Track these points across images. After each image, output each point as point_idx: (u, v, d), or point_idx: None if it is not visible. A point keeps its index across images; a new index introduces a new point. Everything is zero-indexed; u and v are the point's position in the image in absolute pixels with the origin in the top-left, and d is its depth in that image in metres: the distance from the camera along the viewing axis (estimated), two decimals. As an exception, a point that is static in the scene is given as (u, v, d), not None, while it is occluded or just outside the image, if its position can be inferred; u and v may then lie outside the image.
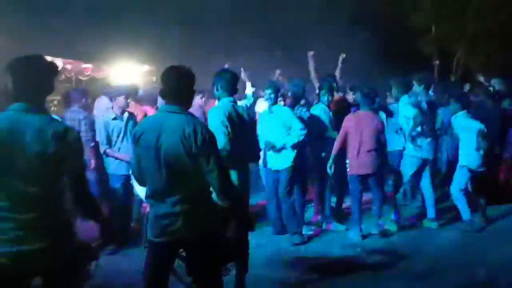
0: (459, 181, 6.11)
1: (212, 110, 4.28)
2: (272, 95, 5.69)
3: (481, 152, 5.98)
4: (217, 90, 4.31)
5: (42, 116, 2.49)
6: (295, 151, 5.68)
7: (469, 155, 6.04)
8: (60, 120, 3.03)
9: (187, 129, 2.88)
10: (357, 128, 5.84)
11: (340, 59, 8.07)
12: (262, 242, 5.59)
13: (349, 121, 5.94)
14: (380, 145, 5.90)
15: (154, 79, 12.58)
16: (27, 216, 2.37)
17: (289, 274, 4.86)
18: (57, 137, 2.42)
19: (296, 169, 5.77)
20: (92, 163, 6.22)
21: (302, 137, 5.63)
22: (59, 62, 12.46)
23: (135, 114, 5.95)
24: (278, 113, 5.72)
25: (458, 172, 6.16)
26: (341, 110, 6.51)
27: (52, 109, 10.21)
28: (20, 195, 2.38)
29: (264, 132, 5.77)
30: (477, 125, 5.97)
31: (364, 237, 5.86)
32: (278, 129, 5.67)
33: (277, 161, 5.74)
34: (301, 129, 5.61)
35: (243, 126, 4.26)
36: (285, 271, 4.93)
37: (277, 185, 5.81)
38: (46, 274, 2.45)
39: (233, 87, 4.32)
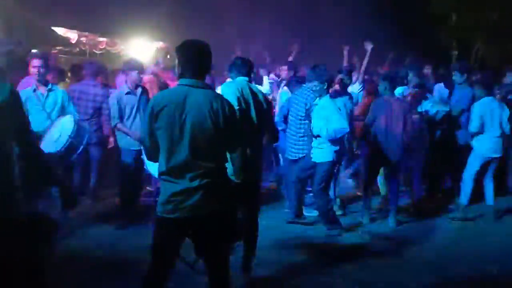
0: (471, 166, 6.10)
1: (226, 85, 4.23)
2: (318, 87, 5.52)
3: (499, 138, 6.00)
4: (231, 71, 4.34)
5: (204, 90, 2.87)
6: (336, 147, 5.46)
7: (483, 140, 6.03)
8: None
9: (215, 105, 2.87)
10: (382, 112, 5.80)
11: (345, 52, 8.01)
12: (271, 224, 5.56)
13: (375, 106, 5.92)
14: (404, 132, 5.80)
15: (168, 56, 12.54)
16: None
17: (296, 257, 4.84)
18: (222, 109, 2.84)
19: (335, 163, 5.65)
20: (111, 141, 6.25)
21: (341, 135, 5.40)
22: (74, 34, 12.50)
23: (151, 87, 5.94)
24: (322, 106, 5.49)
25: (471, 157, 6.14)
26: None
27: (65, 80, 10.24)
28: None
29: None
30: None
31: (371, 220, 5.94)
32: (320, 120, 5.43)
33: (319, 154, 5.51)
34: (341, 127, 5.35)
35: (257, 104, 4.18)
36: (292, 254, 4.91)
37: (310, 173, 5.68)
38: None
39: (248, 70, 4.31)
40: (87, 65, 6.78)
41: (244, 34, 12.51)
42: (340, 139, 5.46)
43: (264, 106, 4.30)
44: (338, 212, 6.14)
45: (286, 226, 5.75)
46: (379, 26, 12.16)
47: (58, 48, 12.03)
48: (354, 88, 7.18)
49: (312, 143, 5.55)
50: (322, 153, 5.47)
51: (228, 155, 3.03)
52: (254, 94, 4.20)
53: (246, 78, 4.26)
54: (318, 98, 5.56)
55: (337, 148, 5.46)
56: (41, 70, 5.02)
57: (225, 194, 2.98)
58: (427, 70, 8.27)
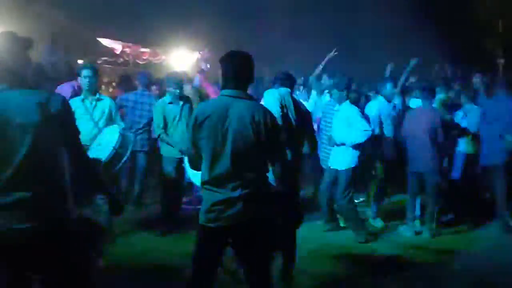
0: None
1: (269, 92, 4.29)
2: (337, 94, 5.64)
3: None
4: (274, 84, 4.43)
5: (246, 101, 2.92)
6: (358, 152, 5.51)
7: None
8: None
9: (257, 115, 2.90)
10: (413, 124, 5.78)
11: (331, 54, 7.87)
12: (310, 235, 5.53)
13: (407, 117, 5.93)
14: (436, 143, 5.72)
15: (208, 66, 12.71)
16: None
17: (334, 267, 4.81)
18: (264, 119, 2.88)
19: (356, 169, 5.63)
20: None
21: (365, 139, 5.44)
22: (118, 45, 12.89)
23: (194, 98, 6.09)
24: (343, 112, 5.59)
25: None
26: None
27: (109, 90, 10.55)
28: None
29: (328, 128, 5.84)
30: None
31: (417, 233, 5.79)
32: (342, 126, 5.53)
33: (338, 159, 5.60)
34: (365, 131, 5.43)
35: (297, 113, 4.23)
36: (330, 266, 4.87)
37: (332, 182, 5.71)
38: (42, 252, 2.42)
39: (290, 83, 4.43)
40: (140, 75, 6.98)
41: (287, 41, 12.54)
42: (363, 143, 5.46)
43: (305, 115, 4.36)
44: (378, 224, 6.09)
45: (324, 235, 5.73)
46: (418, 31, 11.95)
47: (103, 58, 12.42)
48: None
49: (332, 150, 5.61)
50: (344, 159, 5.50)
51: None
52: (295, 103, 4.25)
53: (289, 90, 4.33)
54: (337, 105, 5.65)
55: (359, 152, 5.50)
56: (91, 80, 5.20)
57: (266, 204, 3.00)
58: (476, 78, 7.86)
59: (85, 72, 5.16)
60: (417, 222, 5.94)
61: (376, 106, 6.23)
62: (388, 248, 5.42)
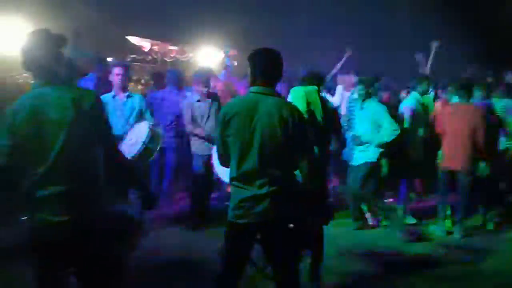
0: None
1: (295, 90, 4.28)
2: (362, 92, 5.55)
3: None
4: (304, 81, 4.42)
5: (274, 98, 2.93)
6: (381, 149, 5.49)
7: None
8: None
9: (285, 113, 2.90)
10: (451, 120, 5.63)
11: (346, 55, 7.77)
12: (338, 234, 5.52)
13: (444, 112, 5.78)
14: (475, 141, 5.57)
15: (236, 63, 12.76)
16: None
17: (363, 266, 4.76)
18: (292, 117, 2.88)
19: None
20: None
21: (393, 137, 5.39)
22: (147, 43, 13.02)
23: (223, 95, 6.10)
24: (369, 109, 5.55)
25: None
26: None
27: (138, 87, 10.68)
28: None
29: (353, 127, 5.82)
30: None
31: (448, 233, 5.70)
32: (366, 124, 5.50)
33: (362, 156, 5.57)
34: (393, 130, 5.39)
35: (324, 110, 4.20)
36: (359, 264, 4.83)
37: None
38: (77, 245, 2.47)
39: (318, 82, 4.39)
40: (169, 73, 7.06)
41: (314, 41, 12.47)
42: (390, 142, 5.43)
43: (332, 112, 4.35)
44: (411, 221, 6.02)
45: (353, 233, 5.69)
46: (451, 26, 11.70)
47: (131, 56, 12.57)
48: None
49: (355, 146, 5.57)
50: (366, 154, 5.50)
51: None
52: (322, 100, 4.23)
53: (316, 88, 4.31)
54: (362, 102, 5.59)
55: (382, 150, 5.48)
56: (123, 78, 5.30)
57: (294, 201, 2.99)
58: (510, 75, 7.67)
59: (117, 70, 5.25)
60: (448, 222, 5.84)
61: (413, 103, 6.13)
62: (417, 247, 5.35)
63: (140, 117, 5.33)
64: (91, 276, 2.56)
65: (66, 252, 2.47)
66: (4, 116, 2.46)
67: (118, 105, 5.30)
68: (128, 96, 5.38)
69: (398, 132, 5.40)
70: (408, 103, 6.16)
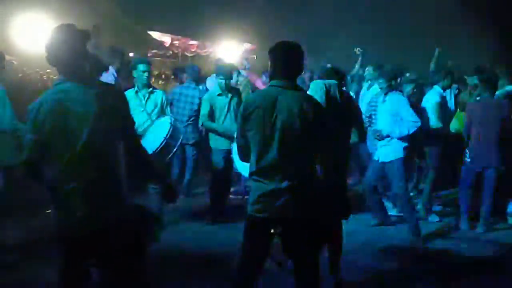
0: None
1: (316, 83, 4.28)
2: (384, 85, 5.49)
3: None
4: (324, 75, 4.43)
5: (294, 92, 2.92)
6: (406, 143, 5.36)
7: None
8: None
9: (305, 106, 2.89)
10: (477, 116, 5.54)
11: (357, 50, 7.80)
12: (357, 229, 5.51)
13: (471, 109, 5.69)
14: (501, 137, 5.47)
15: (255, 57, 12.76)
16: None
17: (383, 263, 4.74)
18: (312, 110, 2.86)
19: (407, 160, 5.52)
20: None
21: (414, 130, 5.29)
22: (168, 38, 13.13)
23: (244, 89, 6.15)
24: (390, 102, 5.47)
25: None
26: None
27: (159, 82, 10.77)
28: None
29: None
30: None
31: (472, 227, 5.64)
32: (387, 117, 5.43)
33: (386, 152, 5.45)
34: (414, 122, 5.29)
35: (344, 103, 4.19)
36: (378, 259, 4.82)
37: (380, 176, 5.61)
38: (100, 237, 2.50)
39: (339, 77, 4.37)
40: (188, 68, 7.12)
41: (336, 34, 12.41)
42: (411, 135, 5.30)
43: (352, 106, 4.34)
44: (435, 219, 5.99)
45: (371, 230, 5.66)
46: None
47: (153, 51, 12.68)
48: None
49: (378, 142, 5.48)
50: (391, 150, 5.34)
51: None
52: (341, 93, 4.22)
53: (336, 82, 4.29)
54: (383, 96, 5.52)
55: (407, 144, 5.32)
56: (148, 74, 5.40)
57: (314, 196, 2.98)
58: None
59: (142, 67, 5.33)
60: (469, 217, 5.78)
61: (436, 97, 6.06)
62: (439, 242, 5.30)
63: (162, 113, 5.39)
64: (112, 268, 2.61)
65: (88, 244, 2.52)
66: (28, 111, 2.52)
67: (141, 100, 5.37)
68: (151, 92, 5.43)
69: (419, 124, 5.30)
70: (431, 97, 6.10)
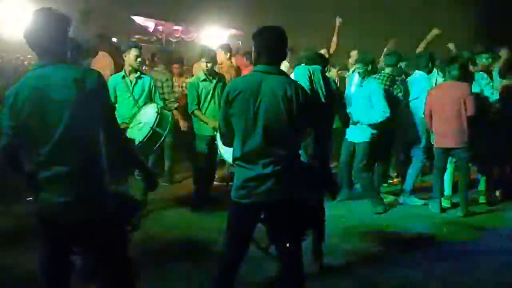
0: None
1: (299, 67, 4.30)
2: (361, 70, 5.62)
3: None
4: (308, 60, 4.47)
5: (278, 77, 2.92)
6: (376, 130, 5.61)
7: None
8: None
9: (289, 91, 2.89)
10: (439, 99, 5.63)
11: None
12: (341, 213, 5.58)
13: (432, 93, 5.77)
14: (464, 117, 5.54)
15: (240, 43, 12.69)
16: None
17: (366, 246, 4.79)
18: (296, 95, 2.86)
19: (376, 144, 5.72)
20: (181, 124, 6.43)
21: (382, 119, 5.49)
22: (151, 23, 12.96)
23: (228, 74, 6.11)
24: (367, 88, 5.59)
25: None
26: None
27: (144, 68, 10.65)
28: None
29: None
30: None
31: (442, 210, 5.79)
32: (361, 102, 5.57)
33: (355, 133, 5.72)
34: (384, 112, 5.47)
35: (327, 88, 4.26)
36: (361, 243, 4.87)
37: (351, 154, 5.92)
38: (81, 225, 2.49)
39: (324, 63, 4.45)
40: (160, 52, 7.06)
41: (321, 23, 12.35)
42: (381, 123, 5.53)
43: (335, 91, 4.40)
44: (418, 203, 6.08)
45: (355, 214, 5.72)
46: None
47: (136, 37, 12.53)
48: None
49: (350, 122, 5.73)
50: (360, 132, 5.65)
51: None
52: (325, 79, 4.27)
53: (319, 67, 4.33)
54: (361, 80, 5.66)
55: (376, 131, 5.59)
56: (139, 59, 5.34)
57: (298, 181, 2.99)
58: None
59: (134, 51, 5.27)
60: (445, 200, 5.95)
61: (424, 81, 6.12)
62: (420, 226, 5.38)
63: (149, 99, 5.34)
64: (93, 255, 2.60)
65: (69, 232, 2.50)
66: (6, 97, 2.47)
67: (128, 86, 5.30)
68: (138, 78, 5.37)
69: (387, 115, 5.47)
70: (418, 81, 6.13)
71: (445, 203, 5.92)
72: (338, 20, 7.25)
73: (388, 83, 5.89)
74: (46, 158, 2.43)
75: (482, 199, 6.12)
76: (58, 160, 2.43)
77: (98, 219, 2.51)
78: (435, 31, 7.44)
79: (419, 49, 7.31)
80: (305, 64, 4.47)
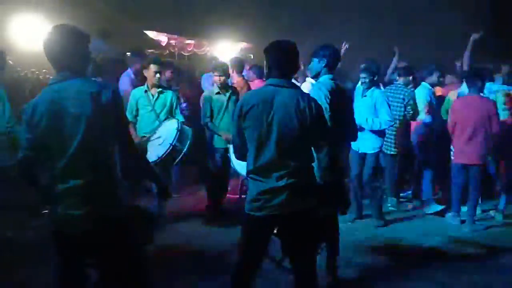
0: None
1: (316, 85, 4.24)
2: (367, 80, 5.55)
3: None
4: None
5: (290, 90, 2.94)
6: (382, 138, 5.60)
7: None
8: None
9: (302, 104, 2.90)
10: (463, 113, 5.55)
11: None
12: (354, 226, 5.56)
13: (455, 106, 5.70)
14: (488, 134, 5.50)
15: (252, 56, 12.76)
16: None
17: (379, 260, 4.74)
18: (309, 108, 2.87)
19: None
20: None
21: (386, 127, 5.50)
22: (164, 37, 13.09)
23: (240, 87, 6.11)
24: (372, 98, 5.55)
25: None
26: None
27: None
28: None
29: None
30: None
31: (462, 222, 5.72)
32: (366, 111, 5.52)
33: (364, 143, 5.58)
34: (389, 120, 5.45)
35: (343, 105, 4.17)
36: (375, 257, 4.81)
37: (361, 167, 5.74)
38: (96, 237, 2.51)
39: (334, 64, 4.24)
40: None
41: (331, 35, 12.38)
42: (383, 131, 5.56)
43: (350, 104, 4.35)
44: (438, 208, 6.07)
45: (368, 228, 5.66)
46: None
47: (149, 51, 12.66)
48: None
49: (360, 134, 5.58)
50: (369, 143, 5.56)
51: (315, 155, 3.05)
52: (341, 93, 4.19)
53: (331, 76, 4.25)
54: (365, 90, 5.63)
55: (381, 140, 5.60)
56: (159, 74, 5.37)
57: (312, 194, 2.99)
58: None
59: (154, 67, 5.32)
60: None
61: (426, 93, 6.11)
62: (435, 240, 5.31)
63: (170, 114, 5.38)
64: (109, 268, 2.61)
65: (84, 244, 2.52)
66: (24, 111, 2.51)
67: (150, 100, 5.36)
68: (161, 92, 5.42)
69: (392, 123, 5.53)
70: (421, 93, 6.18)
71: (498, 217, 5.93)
72: (344, 47, 7.23)
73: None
74: (62, 171, 2.46)
75: (498, 217, 6.01)
76: (73, 173, 2.46)
77: (113, 232, 2.53)
78: (475, 35, 6.96)
79: (465, 63, 6.92)
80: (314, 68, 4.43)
